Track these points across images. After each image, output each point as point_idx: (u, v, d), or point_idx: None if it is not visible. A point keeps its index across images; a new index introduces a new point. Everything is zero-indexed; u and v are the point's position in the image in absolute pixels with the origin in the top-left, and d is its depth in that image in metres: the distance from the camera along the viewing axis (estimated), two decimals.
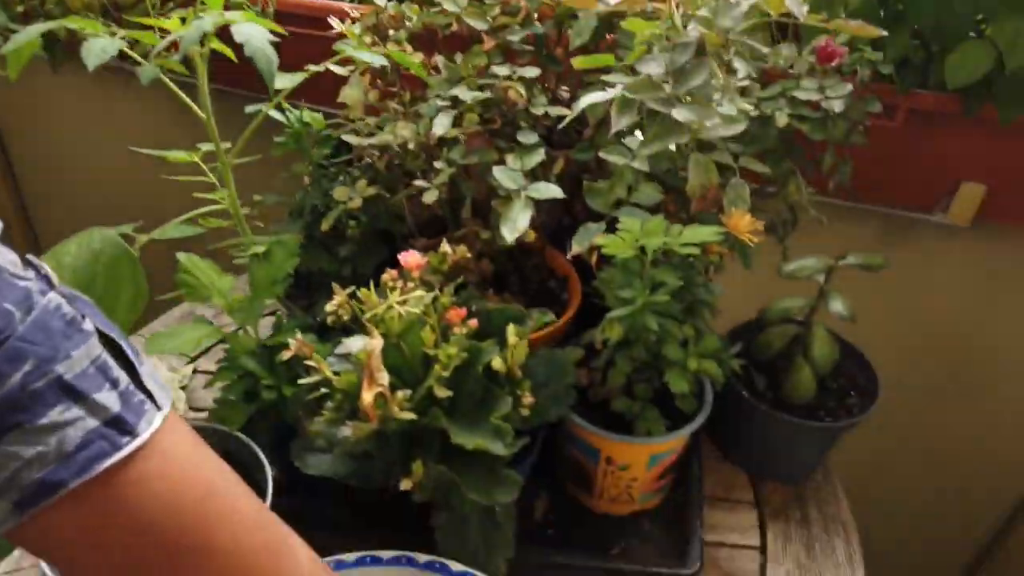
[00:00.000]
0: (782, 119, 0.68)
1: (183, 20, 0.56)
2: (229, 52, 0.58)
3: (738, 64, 0.62)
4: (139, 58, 0.57)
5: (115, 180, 1.55)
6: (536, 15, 0.74)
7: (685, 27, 0.59)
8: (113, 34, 0.54)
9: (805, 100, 0.70)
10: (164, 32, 0.57)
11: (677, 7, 0.60)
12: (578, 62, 0.65)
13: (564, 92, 0.75)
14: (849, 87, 0.70)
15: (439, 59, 0.72)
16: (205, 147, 0.67)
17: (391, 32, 0.73)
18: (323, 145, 0.74)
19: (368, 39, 0.73)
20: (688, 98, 0.58)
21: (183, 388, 0.90)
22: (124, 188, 1.50)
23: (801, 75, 0.72)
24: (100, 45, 0.53)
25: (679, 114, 0.56)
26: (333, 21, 0.73)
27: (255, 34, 0.54)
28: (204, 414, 0.70)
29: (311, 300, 0.76)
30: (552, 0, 0.73)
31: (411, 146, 0.66)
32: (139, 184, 1.28)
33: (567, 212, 0.74)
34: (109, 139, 1.50)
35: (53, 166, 1.63)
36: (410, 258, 0.59)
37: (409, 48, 0.71)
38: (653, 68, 0.58)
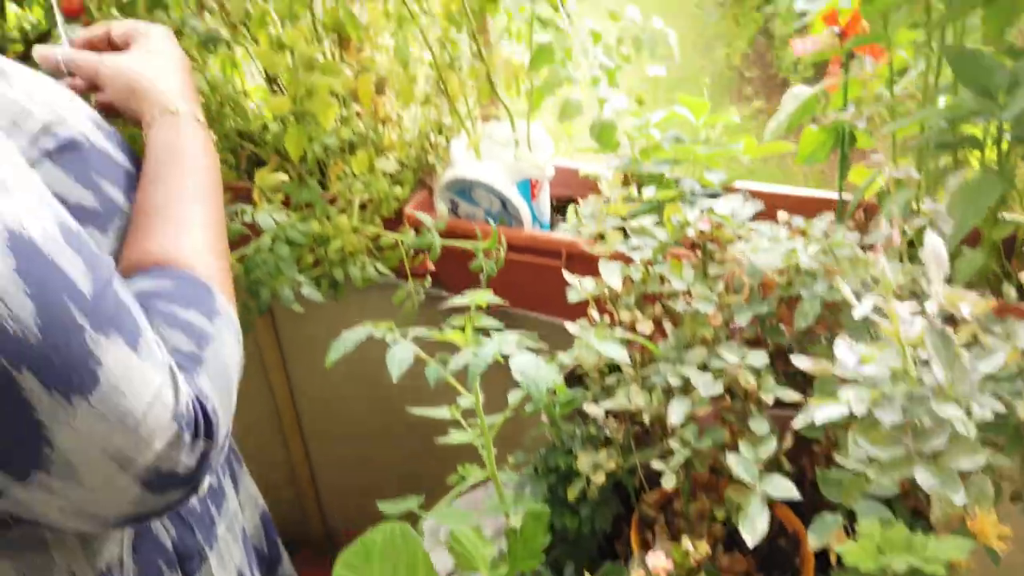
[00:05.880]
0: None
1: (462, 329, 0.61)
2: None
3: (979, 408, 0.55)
4: (429, 359, 0.62)
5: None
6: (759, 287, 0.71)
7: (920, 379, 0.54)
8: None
9: None
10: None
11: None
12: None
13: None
14: None
15: (667, 326, 0.70)
16: (464, 403, 0.68)
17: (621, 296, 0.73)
18: (565, 407, 0.74)
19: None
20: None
21: None
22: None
23: None
24: (400, 354, 0.59)
25: (920, 474, 0.53)
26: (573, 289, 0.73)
27: (529, 367, 0.58)
28: None
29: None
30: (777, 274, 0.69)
31: (645, 418, 0.66)
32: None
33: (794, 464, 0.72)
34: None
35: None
36: (658, 562, 0.62)
37: (639, 314, 0.71)
38: (887, 416, 0.54)
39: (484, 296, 0.62)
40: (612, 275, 0.67)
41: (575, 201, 1.07)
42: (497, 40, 0.93)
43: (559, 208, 1.06)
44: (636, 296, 0.71)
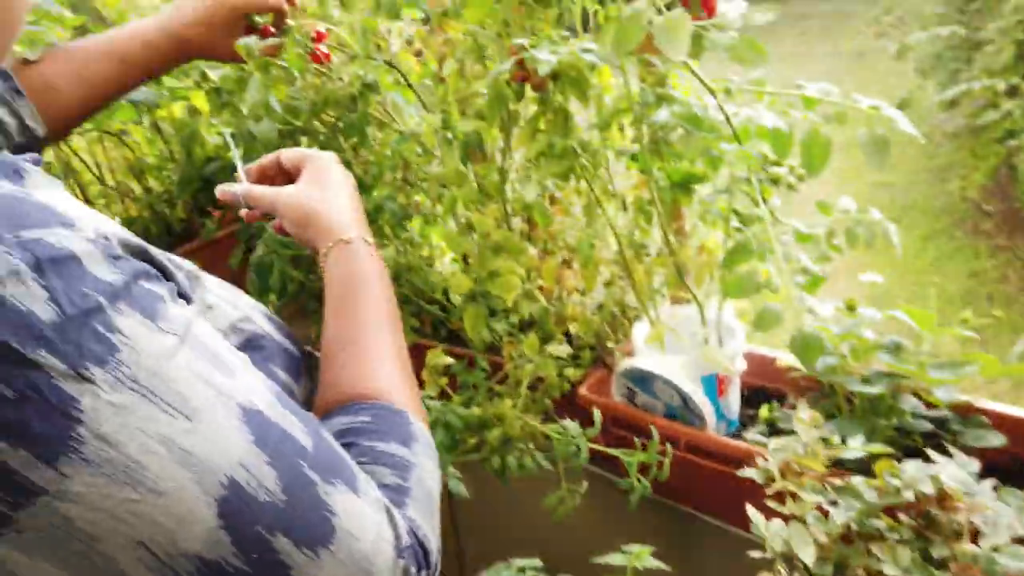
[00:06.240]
0: None
1: None
2: None
3: None
4: None
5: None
6: None
7: None
8: None
9: None
10: None
11: None
12: None
13: None
14: None
15: None
16: None
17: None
18: None
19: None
20: None
21: None
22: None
23: None
24: None
25: None
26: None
27: None
28: None
29: None
30: None
31: None
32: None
33: None
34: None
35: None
36: None
37: None
38: None
39: (643, 557, 0.55)
40: (804, 549, 0.57)
41: (771, 395, 0.96)
42: (691, 229, 0.88)
43: (751, 400, 0.96)
44: (835, 562, 0.59)
